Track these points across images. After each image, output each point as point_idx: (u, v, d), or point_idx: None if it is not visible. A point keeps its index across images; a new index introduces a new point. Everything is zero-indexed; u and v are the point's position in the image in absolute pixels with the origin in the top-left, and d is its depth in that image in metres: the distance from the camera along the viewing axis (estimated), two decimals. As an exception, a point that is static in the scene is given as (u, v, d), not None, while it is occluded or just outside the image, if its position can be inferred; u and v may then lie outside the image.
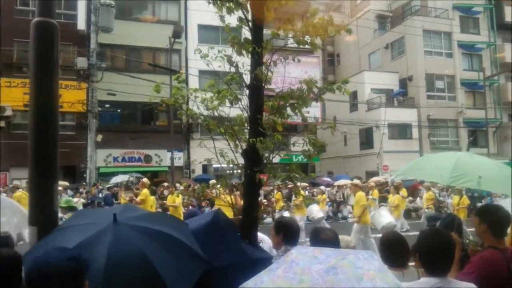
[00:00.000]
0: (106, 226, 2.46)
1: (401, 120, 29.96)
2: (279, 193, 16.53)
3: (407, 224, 15.51)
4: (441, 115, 31.16)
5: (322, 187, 18.81)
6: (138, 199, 12.51)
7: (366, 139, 31.78)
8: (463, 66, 32.96)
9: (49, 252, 1.78)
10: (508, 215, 3.04)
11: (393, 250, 3.10)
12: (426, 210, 14.86)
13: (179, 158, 25.01)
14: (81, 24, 22.57)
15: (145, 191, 12.24)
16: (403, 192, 15.71)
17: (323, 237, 2.95)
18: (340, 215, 19.55)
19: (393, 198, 14.35)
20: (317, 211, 13.53)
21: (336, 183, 22.04)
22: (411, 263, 3.00)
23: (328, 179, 25.08)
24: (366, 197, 12.57)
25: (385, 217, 10.23)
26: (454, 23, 32.63)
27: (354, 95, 32.59)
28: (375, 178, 24.34)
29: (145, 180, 13.34)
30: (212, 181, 12.99)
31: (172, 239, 2.53)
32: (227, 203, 3.59)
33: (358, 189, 11.67)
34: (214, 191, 6.87)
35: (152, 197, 12.49)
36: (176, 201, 12.35)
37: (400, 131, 30.59)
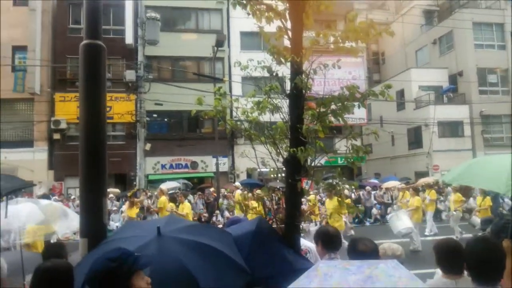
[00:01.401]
0: (151, 239, 2.52)
1: (451, 117, 28.78)
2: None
3: (436, 227, 15.01)
4: (494, 111, 29.61)
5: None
6: (156, 207, 12.69)
7: (415, 138, 30.76)
8: (518, 58, 31.25)
9: (98, 258, 1.92)
10: None
11: (448, 257, 3.00)
12: (454, 212, 14.00)
13: (224, 164, 25.30)
14: (128, 38, 23.39)
15: (163, 198, 12.38)
16: (432, 195, 15.15)
17: (362, 248, 2.89)
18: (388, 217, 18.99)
19: (412, 200, 13.42)
20: (405, 221, 10.64)
21: (384, 185, 21.47)
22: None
23: (375, 181, 24.48)
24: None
25: (402, 221, 9.62)
26: (506, 13, 31.00)
27: (401, 93, 31.70)
28: (424, 179, 23.53)
29: (163, 187, 13.48)
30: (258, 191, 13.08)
31: (214, 251, 2.56)
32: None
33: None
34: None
35: (171, 204, 12.54)
36: (184, 210, 12.21)
37: (451, 129, 29.37)
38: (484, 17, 30.22)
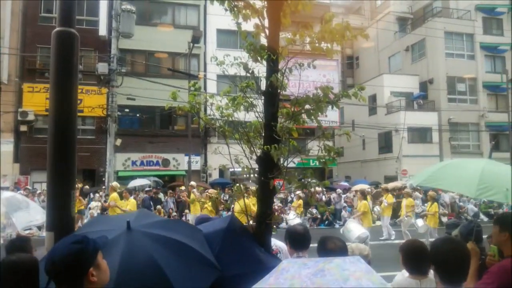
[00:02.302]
0: (120, 234, 2.48)
1: (421, 123, 29.55)
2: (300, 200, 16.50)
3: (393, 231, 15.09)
4: (462, 119, 30.61)
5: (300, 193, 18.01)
6: (107, 203, 12.65)
7: (385, 143, 31.43)
8: (486, 68, 32.35)
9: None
10: None
11: (413, 258, 3.08)
12: (406, 218, 13.95)
13: (197, 162, 25.15)
14: (102, 30, 22.94)
15: (114, 195, 12.35)
16: (389, 198, 15.18)
17: (331, 247, 2.94)
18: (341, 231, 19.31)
19: (359, 205, 13.33)
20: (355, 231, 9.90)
21: (354, 188, 21.83)
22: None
23: (346, 184, 24.87)
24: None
25: (353, 232, 9.57)
26: (476, 24, 32.09)
27: (373, 98, 32.31)
28: (392, 183, 24.06)
29: (114, 184, 13.43)
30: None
31: (184, 247, 2.54)
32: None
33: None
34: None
35: (122, 201, 12.47)
36: (128, 206, 12.04)
37: (420, 135, 30.16)
38: (455, 27, 31.18)
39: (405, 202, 14.49)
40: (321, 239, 3.13)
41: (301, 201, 16.67)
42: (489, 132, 31.42)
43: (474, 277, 2.91)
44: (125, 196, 12.86)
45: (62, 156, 3.26)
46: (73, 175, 3.34)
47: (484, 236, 4.00)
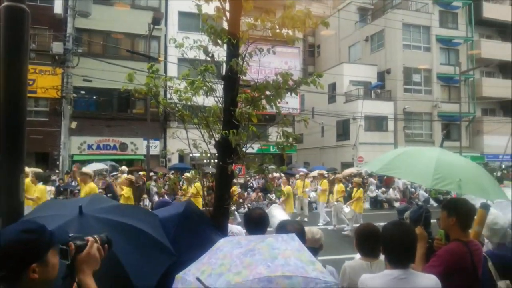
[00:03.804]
0: (72, 219, 2.41)
1: (377, 112, 30.36)
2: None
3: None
4: (416, 108, 31.71)
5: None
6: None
7: (343, 130, 32.10)
8: (440, 61, 33.52)
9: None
10: (474, 208, 3.11)
11: (364, 240, 3.20)
12: (336, 203, 14.18)
13: (156, 147, 24.77)
14: (57, 8, 21.89)
15: (27, 180, 11.41)
16: (323, 184, 15.35)
17: (290, 230, 2.98)
18: (314, 205, 19.70)
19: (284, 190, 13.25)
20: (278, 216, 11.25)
21: (311, 173, 22.22)
22: None
23: (304, 169, 25.24)
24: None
25: (276, 217, 9.68)
26: (433, 17, 33.08)
27: (333, 86, 32.83)
28: (348, 170, 24.69)
29: (30, 169, 12.18)
30: (186, 174, 12.82)
31: (138, 231, 2.50)
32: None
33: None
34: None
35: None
36: (36, 193, 10.36)
37: (377, 123, 31.00)
38: (413, 19, 32.02)
39: (336, 187, 14.66)
40: (280, 223, 3.18)
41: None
42: (441, 122, 32.74)
43: (422, 260, 3.04)
44: (33, 181, 11.08)
45: (10, 138, 3.11)
46: (23, 157, 3.20)
47: (433, 221, 4.18)
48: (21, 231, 1.62)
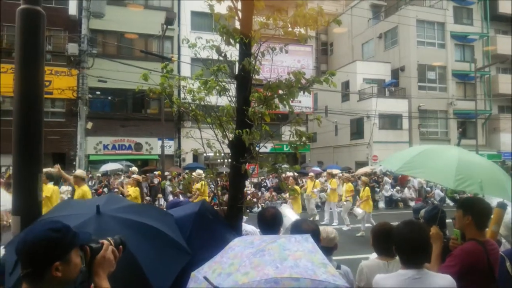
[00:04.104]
0: (89, 218, 2.45)
1: (392, 110, 30.07)
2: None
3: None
4: (431, 106, 31.34)
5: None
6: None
7: (357, 129, 31.89)
8: (455, 57, 33.05)
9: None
10: (490, 207, 3.07)
11: (381, 240, 3.18)
12: (345, 202, 14.05)
13: (170, 147, 24.94)
14: (72, 9, 22.21)
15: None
16: (333, 184, 15.14)
17: (304, 229, 2.98)
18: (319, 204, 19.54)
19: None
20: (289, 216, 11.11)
21: (324, 173, 22.12)
22: None
23: (318, 169, 25.17)
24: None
25: (288, 217, 9.54)
26: (447, 13, 32.63)
27: (346, 85, 32.64)
28: (363, 169, 24.52)
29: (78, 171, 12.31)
30: (198, 171, 12.73)
31: (155, 231, 2.53)
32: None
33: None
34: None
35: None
36: (44, 193, 10.65)
37: (391, 121, 30.72)
38: (427, 15, 31.64)
39: (344, 187, 14.51)
40: (294, 222, 3.18)
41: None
42: (456, 119, 32.31)
43: (437, 260, 3.01)
44: (44, 181, 11.38)
45: (28, 138, 3.18)
46: (40, 157, 3.26)
47: (449, 220, 4.14)
48: (48, 229, 1.67)
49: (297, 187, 13.20)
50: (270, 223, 3.37)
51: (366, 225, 12.79)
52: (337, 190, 15.42)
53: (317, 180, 15.85)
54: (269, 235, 3.34)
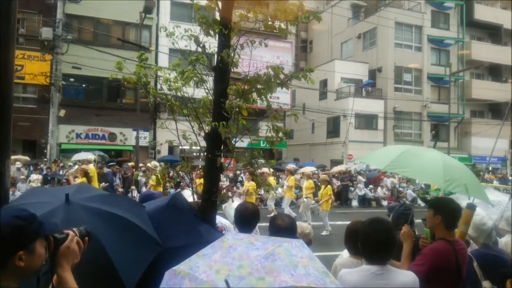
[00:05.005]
0: (58, 206, 2.38)
1: (368, 110, 30.50)
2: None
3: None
4: (406, 108, 31.94)
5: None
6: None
7: (333, 127, 32.21)
8: (431, 61, 33.74)
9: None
10: (459, 208, 3.14)
11: (354, 238, 3.18)
12: (305, 199, 13.92)
13: (145, 138, 24.61)
14: (48, -8, 21.59)
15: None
16: (290, 181, 15.09)
17: (279, 223, 2.99)
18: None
19: (247, 185, 13.11)
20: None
21: (301, 170, 22.23)
22: None
23: (293, 165, 25.33)
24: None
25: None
26: (425, 17, 33.24)
27: (324, 83, 32.89)
28: (338, 167, 24.81)
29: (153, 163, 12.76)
30: (154, 163, 12.66)
31: (125, 222, 2.48)
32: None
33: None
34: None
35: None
36: None
37: (367, 121, 31.15)
38: (405, 18, 32.15)
39: (305, 184, 14.42)
40: (272, 217, 3.18)
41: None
42: (430, 122, 33.03)
43: (407, 259, 3.06)
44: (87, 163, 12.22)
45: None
46: (8, 144, 3.15)
47: (418, 220, 4.20)
48: (13, 216, 1.60)
49: (252, 183, 12.53)
50: (249, 219, 3.36)
51: (320, 223, 12.95)
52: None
53: (291, 177, 15.84)
54: (247, 232, 3.34)
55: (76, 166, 13.30)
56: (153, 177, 10.17)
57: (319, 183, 14.43)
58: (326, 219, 12.97)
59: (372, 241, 2.52)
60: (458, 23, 34.43)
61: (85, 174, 11.06)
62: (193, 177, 4.06)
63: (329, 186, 13.57)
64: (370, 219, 2.69)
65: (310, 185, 14.17)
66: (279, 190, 17.15)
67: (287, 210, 14.78)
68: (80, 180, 10.68)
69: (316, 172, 21.47)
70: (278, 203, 17.12)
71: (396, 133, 31.66)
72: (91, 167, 12.40)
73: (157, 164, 12.87)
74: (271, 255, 1.65)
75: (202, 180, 3.66)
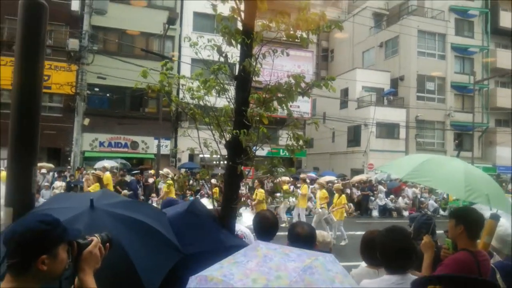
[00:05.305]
0: (82, 212, 2.44)
1: (389, 119, 30.15)
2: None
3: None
4: (429, 117, 31.44)
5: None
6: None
7: (354, 136, 31.95)
8: (455, 69, 33.20)
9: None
10: (482, 218, 3.07)
11: (370, 247, 3.16)
12: (320, 210, 13.53)
13: (166, 146, 24.90)
14: (75, 5, 22.23)
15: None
16: (304, 189, 14.73)
17: (299, 231, 2.99)
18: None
19: (255, 193, 12.60)
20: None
21: (320, 180, 22.04)
22: None
23: (313, 175, 25.18)
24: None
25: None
26: (449, 25, 32.80)
27: (345, 92, 32.72)
28: (358, 176, 24.53)
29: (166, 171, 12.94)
30: (166, 170, 12.75)
31: (147, 228, 2.53)
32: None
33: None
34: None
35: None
36: None
37: (388, 130, 30.78)
38: (428, 26, 31.78)
39: (319, 194, 14.05)
40: (292, 224, 3.19)
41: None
42: (453, 131, 32.42)
43: (428, 269, 3.00)
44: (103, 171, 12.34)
45: (24, 131, 3.16)
46: (35, 150, 3.25)
47: (440, 231, 4.14)
48: (38, 221, 1.66)
49: (261, 191, 12.52)
50: (268, 229, 3.36)
51: (337, 233, 12.76)
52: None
53: (305, 185, 15.58)
54: (267, 241, 3.34)
55: (92, 171, 13.47)
56: (164, 185, 10.25)
57: (334, 192, 14.28)
58: (341, 228, 12.78)
59: (390, 250, 2.50)
60: (482, 31, 33.83)
61: (99, 180, 11.15)
62: (213, 185, 4.10)
63: (343, 195, 13.40)
64: (387, 228, 2.67)
65: (324, 195, 13.81)
66: (292, 199, 16.97)
67: (302, 219, 14.63)
68: (93, 186, 10.79)
69: (336, 181, 21.26)
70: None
71: (418, 142, 31.17)
72: (107, 175, 12.52)
73: (169, 171, 12.95)
74: (309, 268, 1.63)
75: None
